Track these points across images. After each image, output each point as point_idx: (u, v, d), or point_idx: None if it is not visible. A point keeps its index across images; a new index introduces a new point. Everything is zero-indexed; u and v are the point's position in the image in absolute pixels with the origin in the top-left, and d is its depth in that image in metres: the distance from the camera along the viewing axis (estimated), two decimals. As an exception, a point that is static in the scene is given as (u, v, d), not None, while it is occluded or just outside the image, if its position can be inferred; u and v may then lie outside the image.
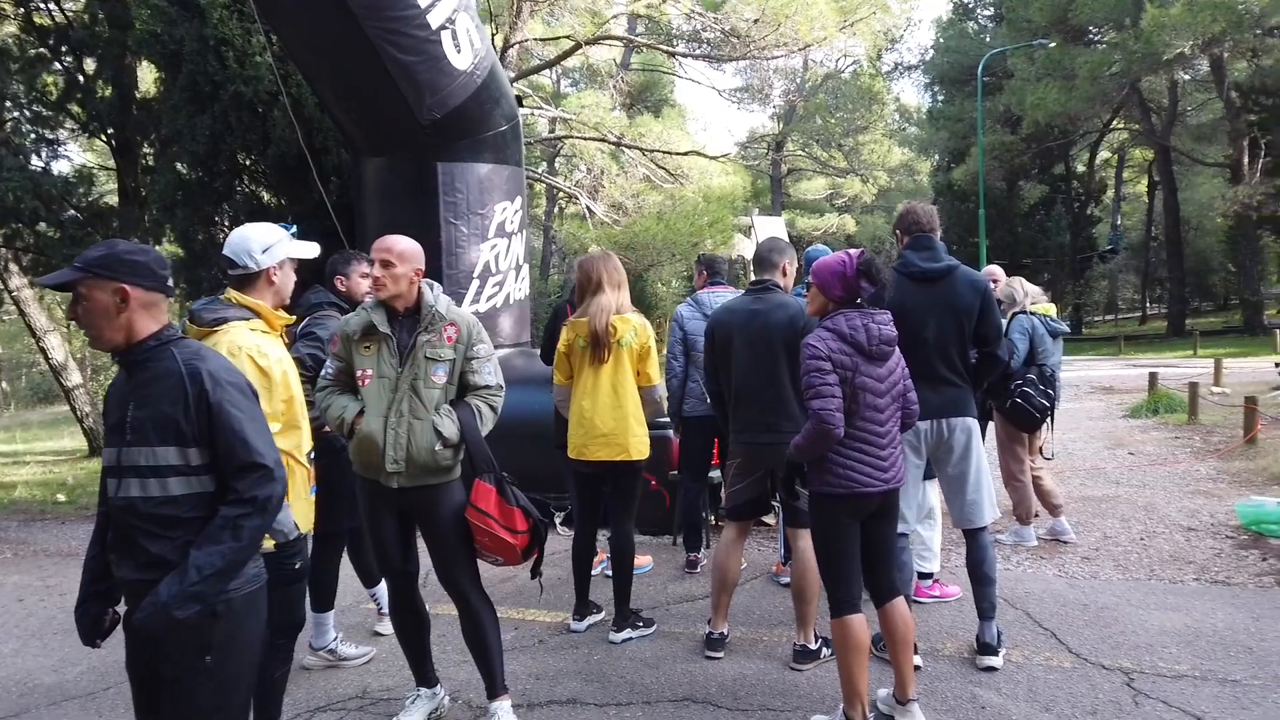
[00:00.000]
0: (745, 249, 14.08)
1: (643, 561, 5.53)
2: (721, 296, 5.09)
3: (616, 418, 4.22)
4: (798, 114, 31.28)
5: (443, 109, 6.62)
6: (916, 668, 3.83)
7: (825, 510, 3.29)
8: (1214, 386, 13.01)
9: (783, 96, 31.36)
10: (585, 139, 14.80)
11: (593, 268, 4.35)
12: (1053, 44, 25.37)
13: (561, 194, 15.89)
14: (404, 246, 3.32)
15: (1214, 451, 8.71)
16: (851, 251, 3.44)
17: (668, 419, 5.45)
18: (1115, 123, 38.34)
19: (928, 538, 4.82)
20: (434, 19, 6.25)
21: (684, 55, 14.98)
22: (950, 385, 3.89)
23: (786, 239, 10.56)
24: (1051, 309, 5.97)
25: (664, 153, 14.47)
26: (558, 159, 23.86)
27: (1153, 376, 12.47)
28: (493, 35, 14.62)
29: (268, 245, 3.01)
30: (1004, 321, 5.89)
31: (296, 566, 2.95)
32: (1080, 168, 41.22)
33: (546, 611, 4.83)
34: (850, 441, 3.24)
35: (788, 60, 28.51)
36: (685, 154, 14.46)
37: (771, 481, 4.11)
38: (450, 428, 3.17)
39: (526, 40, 14.90)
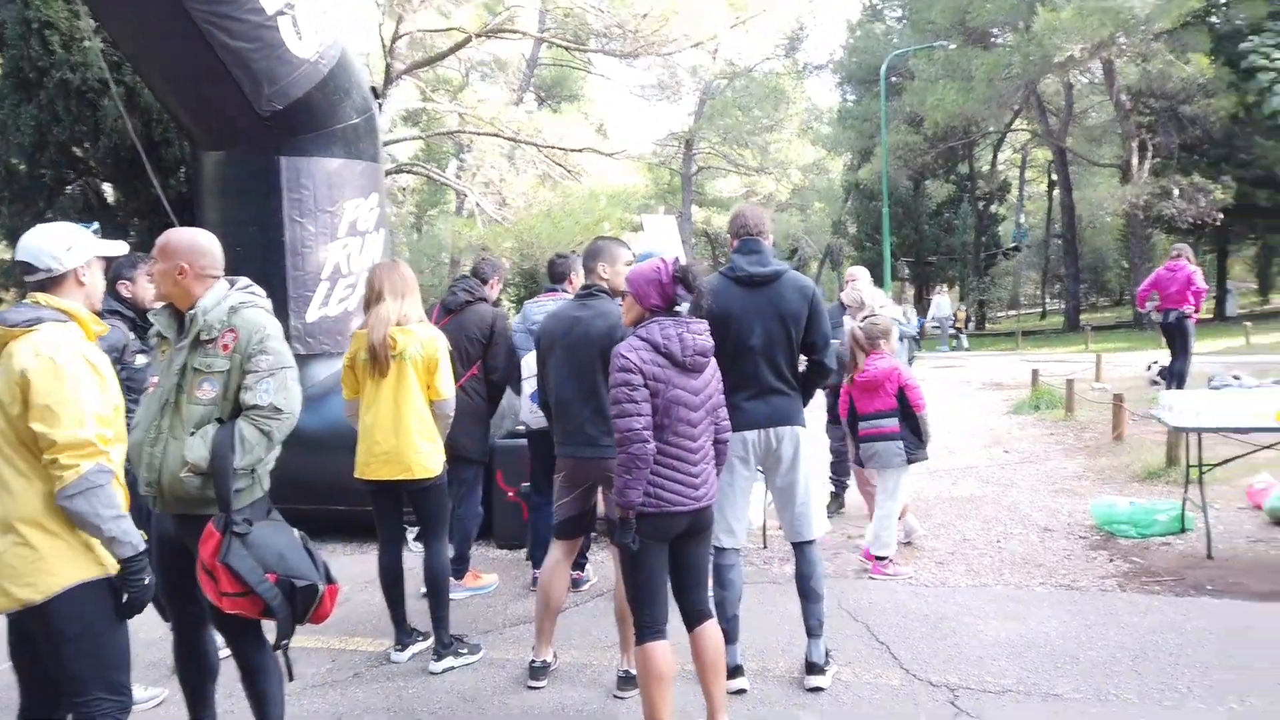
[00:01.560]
0: (639, 249, 13.89)
1: (485, 580, 5.26)
2: (544, 306, 4.88)
3: (398, 434, 3.96)
4: (707, 112, 31.30)
5: (284, 100, 6.22)
6: (742, 691, 3.68)
7: (630, 526, 3.08)
8: (1095, 382, 13.33)
9: (693, 94, 31.36)
10: (480, 134, 14.42)
11: (375, 277, 4.08)
12: (953, 46, 25.89)
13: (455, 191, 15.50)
14: (169, 240, 2.95)
15: (1084, 448, 8.85)
16: (666, 258, 3.25)
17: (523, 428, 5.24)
18: (1016, 123, 39.53)
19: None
20: (268, 3, 5.85)
21: (577, 49, 14.72)
22: (778, 394, 3.73)
23: (677, 238, 10.42)
24: (898, 311, 5.91)
25: (560, 149, 14.19)
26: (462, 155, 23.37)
27: (1035, 373, 12.72)
28: (380, 26, 14.14)
29: (70, 244, 2.64)
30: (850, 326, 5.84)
31: (146, 583, 2.54)
32: (985, 167, 42.40)
33: (372, 640, 4.52)
34: (660, 458, 3.04)
35: (697, 58, 28.48)
36: (580, 150, 14.20)
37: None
38: (197, 451, 2.81)
39: (418, 31, 14.46)
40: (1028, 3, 22.83)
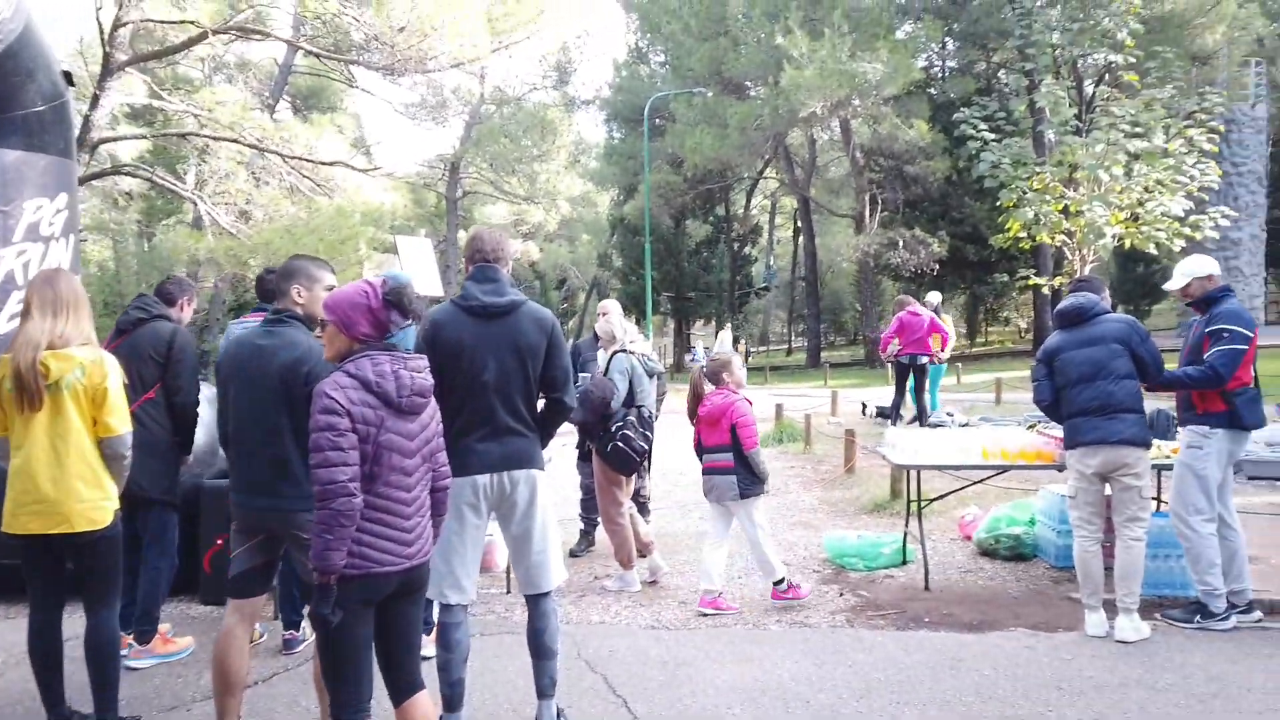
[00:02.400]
0: (393, 270, 13.24)
1: (179, 645, 4.54)
2: (249, 326, 4.33)
3: (55, 480, 3.30)
4: (474, 136, 30.88)
5: (-58, 75, 5.20)
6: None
7: (330, 594, 2.65)
8: (831, 417, 14.23)
9: (460, 117, 30.84)
10: (217, 139, 13.15)
11: (28, 290, 3.41)
12: (710, 93, 27.26)
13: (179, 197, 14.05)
14: None
15: (820, 481, 9.29)
16: (373, 279, 2.87)
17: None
18: (768, 172, 42.34)
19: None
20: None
21: (331, 58, 13.87)
22: (514, 434, 3.45)
23: (433, 261, 9.92)
24: (648, 347, 5.87)
25: (306, 160, 13.23)
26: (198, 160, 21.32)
27: (779, 407, 13.36)
28: (98, 10, 12.57)
29: None
30: (604, 360, 5.71)
31: None
32: (740, 210, 45.00)
33: (17, 729, 3.72)
34: (369, 511, 2.65)
35: (463, 80, 28.06)
36: (331, 164, 13.32)
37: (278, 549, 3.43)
38: None
39: (146, 21, 13.00)
40: (776, 59, 24.49)
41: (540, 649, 3.51)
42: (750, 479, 5.17)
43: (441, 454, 2.89)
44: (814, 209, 36.19)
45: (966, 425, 11.21)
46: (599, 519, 6.55)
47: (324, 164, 12.74)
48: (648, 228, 26.49)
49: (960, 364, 25.80)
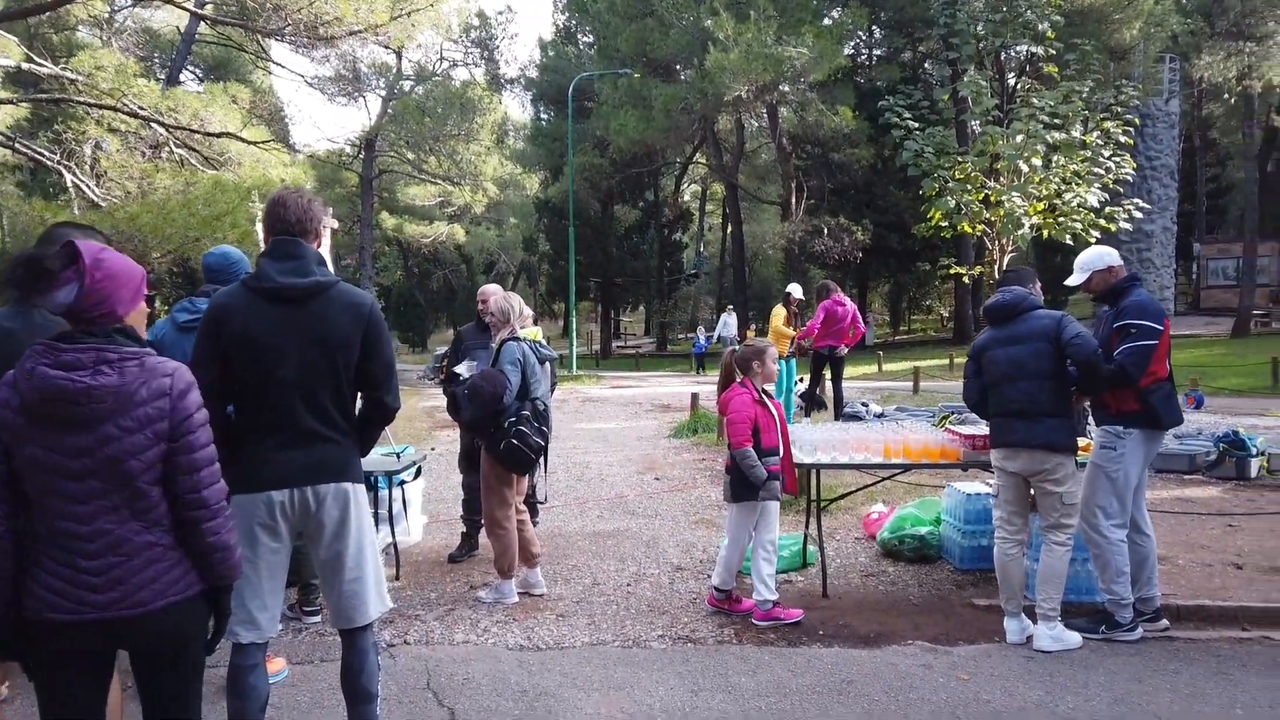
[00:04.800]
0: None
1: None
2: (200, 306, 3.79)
3: None
4: (392, 114, 29.77)
5: None
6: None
7: (16, 649, 2.09)
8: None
9: (375, 93, 29.72)
10: (94, 105, 12.13)
11: None
12: (636, 75, 26.71)
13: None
14: None
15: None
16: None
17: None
18: (697, 157, 42.00)
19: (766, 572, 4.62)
20: None
21: (212, 20, 12.93)
22: (322, 441, 2.90)
23: (326, 240, 9.23)
24: (538, 332, 5.34)
25: (193, 131, 12.31)
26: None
27: (694, 396, 12.97)
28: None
29: None
30: (494, 346, 5.18)
31: None
32: (670, 196, 44.61)
33: None
34: (34, 544, 2.11)
35: (380, 55, 26.98)
36: (219, 135, 12.42)
37: None
38: None
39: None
40: (702, 41, 24.07)
41: (356, 692, 2.99)
42: (740, 481, 4.67)
43: (189, 476, 2.28)
44: (742, 195, 35.96)
45: (882, 415, 10.98)
46: (481, 519, 6.06)
47: (211, 135, 11.84)
48: (572, 212, 25.88)
49: (882, 352, 25.87)
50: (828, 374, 11.46)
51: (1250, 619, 4.54)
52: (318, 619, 4.72)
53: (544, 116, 39.92)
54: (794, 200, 29.26)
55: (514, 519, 5.14)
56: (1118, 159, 13.19)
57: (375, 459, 5.68)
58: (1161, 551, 5.21)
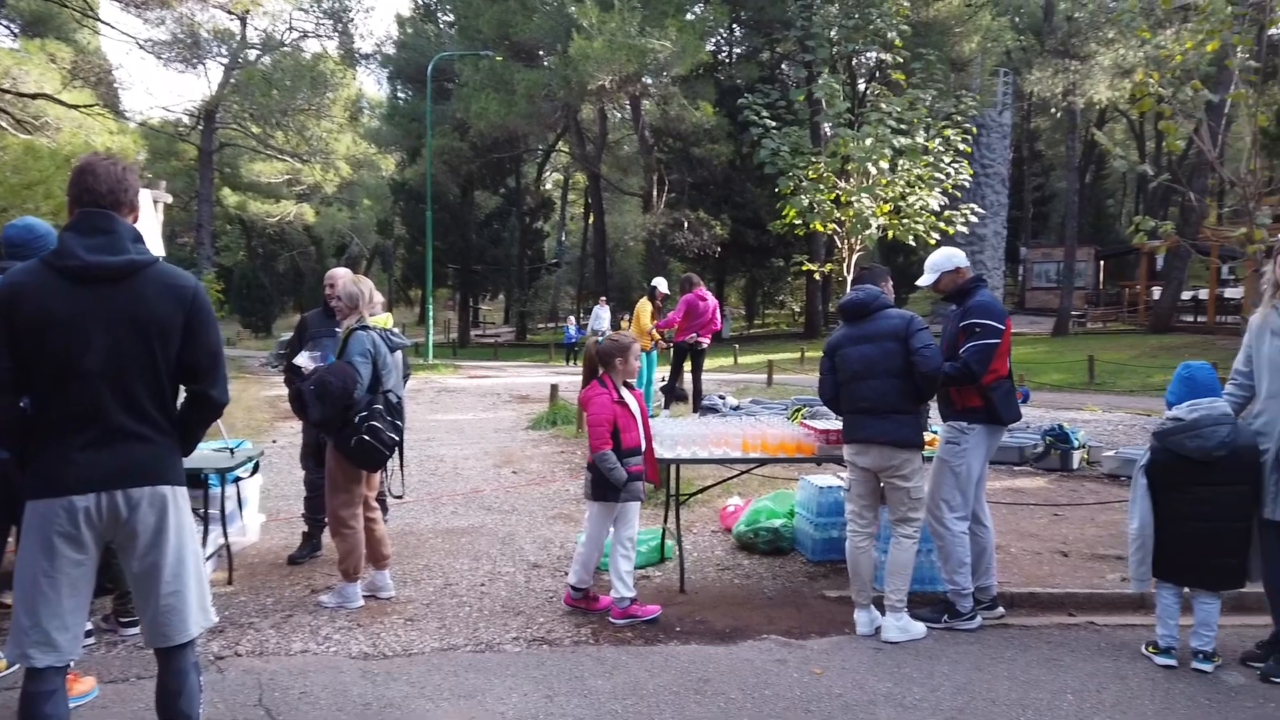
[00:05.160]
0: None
1: None
2: None
3: None
4: (235, 84, 28.01)
5: None
6: None
7: None
8: (609, 397, 13.87)
9: (217, 61, 27.87)
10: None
11: None
12: (499, 58, 26.16)
13: None
14: None
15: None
16: None
17: None
18: (560, 145, 41.71)
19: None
20: None
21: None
22: (135, 439, 2.59)
23: (155, 218, 8.55)
24: (388, 319, 5.06)
25: (4, 91, 11.11)
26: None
27: (554, 388, 12.82)
28: None
29: None
30: (341, 335, 4.85)
31: None
32: (533, 184, 44.13)
33: None
34: None
35: (221, 20, 25.30)
36: (34, 96, 11.27)
37: None
38: None
39: None
40: (566, 27, 23.84)
41: (174, 716, 2.70)
42: (601, 481, 4.54)
43: None
44: (604, 186, 35.98)
45: (739, 408, 11.17)
46: (325, 519, 5.72)
47: (25, 95, 10.73)
48: (430, 195, 25.10)
49: (738, 345, 26.48)
50: (688, 367, 11.55)
51: (1076, 604, 4.82)
52: (136, 630, 4.31)
53: (401, 95, 38.62)
54: (655, 193, 29.48)
55: (362, 518, 4.86)
56: (957, 165, 13.87)
57: (206, 454, 5.26)
58: (997, 540, 5.47)
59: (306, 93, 27.24)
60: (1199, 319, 25.30)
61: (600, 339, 4.89)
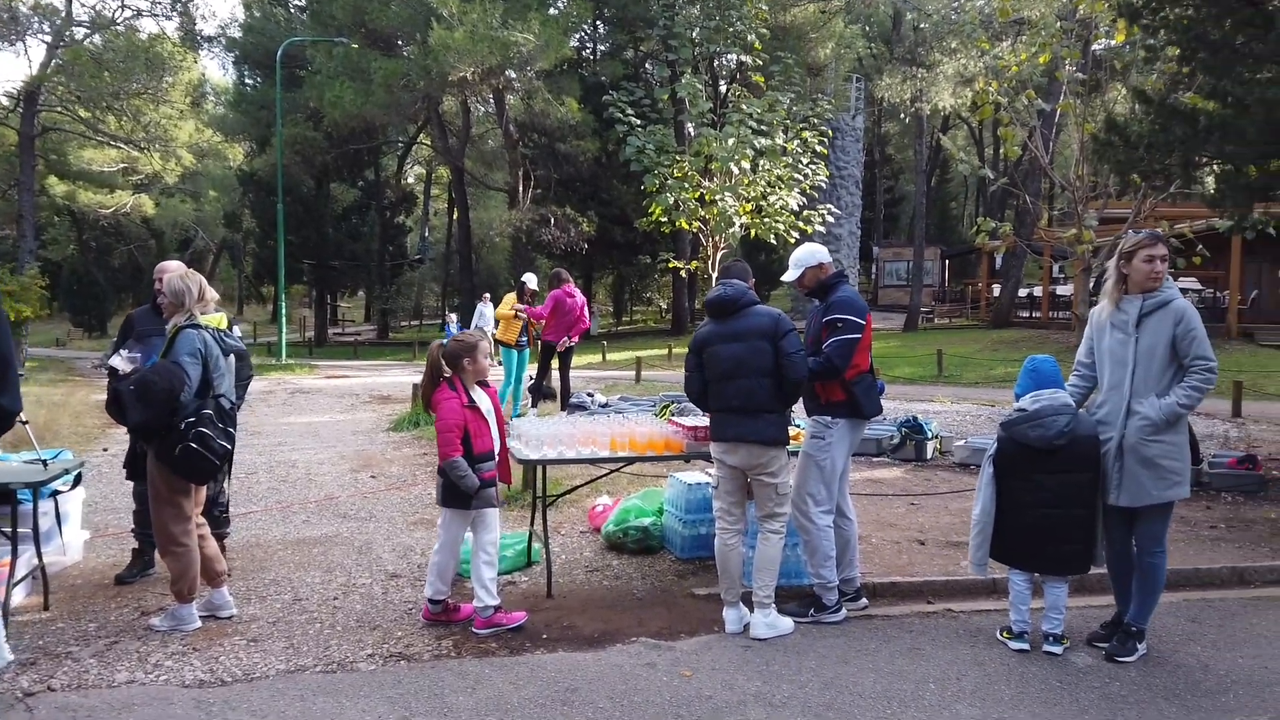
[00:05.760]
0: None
1: None
2: None
3: None
4: (59, 64, 25.78)
5: None
6: None
7: None
8: (473, 396, 13.52)
9: (39, 38, 25.57)
10: None
11: None
12: (354, 45, 25.14)
13: None
14: None
15: (452, 469, 8.51)
16: None
17: None
18: (422, 138, 40.57)
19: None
20: None
21: None
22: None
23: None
24: (221, 318, 4.67)
25: None
26: None
27: (416, 387, 12.37)
28: None
29: None
30: (168, 334, 4.44)
31: None
32: (394, 177, 42.74)
33: None
34: None
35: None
36: None
37: None
38: None
39: None
40: (425, 16, 23.14)
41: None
42: (450, 486, 4.34)
43: None
44: (469, 181, 35.22)
45: (607, 405, 11.08)
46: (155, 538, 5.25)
47: None
48: (281, 186, 23.87)
49: (606, 342, 26.47)
50: (556, 365, 11.38)
51: (934, 592, 4.95)
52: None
53: (249, 81, 36.58)
54: (521, 188, 29.08)
55: (194, 534, 4.46)
56: (814, 166, 14.25)
57: (14, 467, 4.73)
58: (859, 531, 5.58)
59: (142, 75, 25.37)
60: (1034, 314, 27.05)
61: (445, 341, 4.66)
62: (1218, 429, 10.34)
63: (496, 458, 4.51)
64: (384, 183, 40.90)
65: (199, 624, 4.45)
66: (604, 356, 23.45)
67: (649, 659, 4.04)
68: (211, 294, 4.62)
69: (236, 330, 5.37)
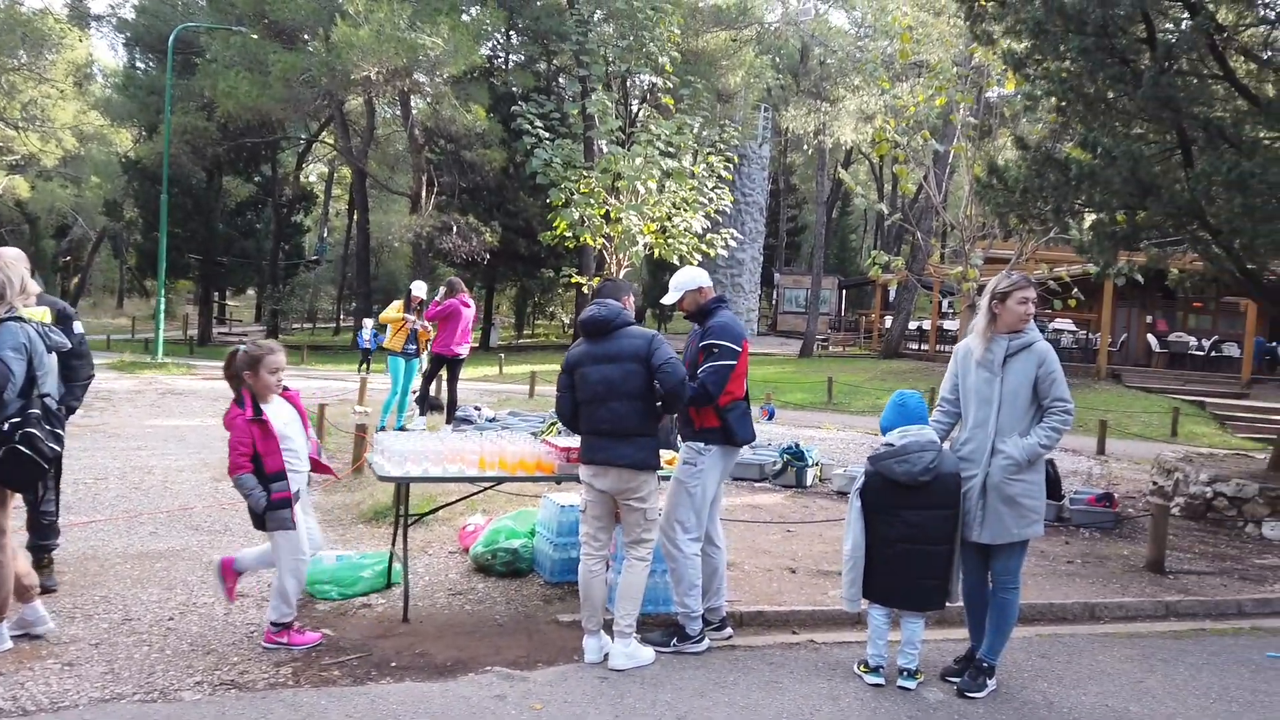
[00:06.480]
0: None
1: None
2: None
3: None
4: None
5: None
6: None
7: None
8: (358, 405, 13.08)
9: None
10: None
11: None
12: (253, 34, 24.23)
13: None
14: None
15: (321, 483, 8.14)
16: None
17: None
18: (324, 136, 39.39)
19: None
20: None
21: None
22: None
23: None
24: (45, 313, 4.30)
25: None
26: None
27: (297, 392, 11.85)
28: None
29: None
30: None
31: None
32: (291, 174, 41.32)
33: None
34: None
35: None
36: None
37: None
38: None
39: None
40: (330, 11, 22.48)
41: None
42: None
43: None
44: (371, 183, 34.33)
45: (494, 420, 10.85)
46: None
47: None
48: (166, 176, 22.65)
49: (504, 354, 26.12)
50: (445, 375, 11.10)
51: (799, 622, 4.93)
52: None
53: (140, 65, 34.85)
54: (425, 194, 28.48)
55: (9, 548, 4.07)
56: (719, 191, 14.38)
57: None
58: (731, 558, 5.54)
59: (21, 51, 23.85)
60: (922, 347, 27.97)
61: (240, 347, 4.40)
62: (1082, 465, 10.80)
63: (300, 470, 4.34)
64: (282, 179, 39.49)
65: (10, 644, 4.06)
66: (501, 370, 23.09)
67: (500, 690, 3.87)
68: (33, 286, 4.25)
69: (78, 326, 4.99)
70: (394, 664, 4.12)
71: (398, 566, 5.26)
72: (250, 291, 47.59)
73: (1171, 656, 4.72)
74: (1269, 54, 8.63)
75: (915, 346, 28.45)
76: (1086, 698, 4.12)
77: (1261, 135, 7.47)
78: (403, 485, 4.93)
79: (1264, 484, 7.72)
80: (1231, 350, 21.91)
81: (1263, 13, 8.22)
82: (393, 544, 5.39)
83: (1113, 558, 6.68)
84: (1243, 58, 8.25)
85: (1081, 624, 5.26)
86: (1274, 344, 20.87)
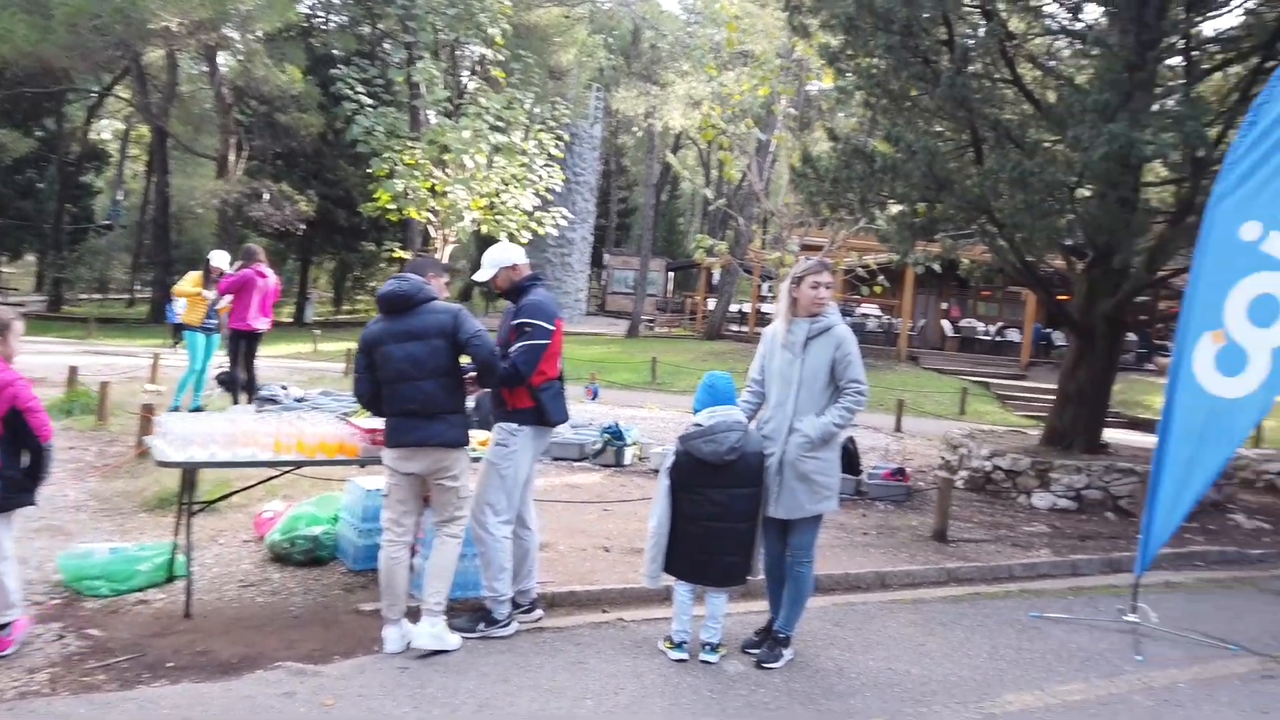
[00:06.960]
0: None
1: None
2: None
3: None
4: None
5: None
6: None
7: None
8: (149, 384, 12.07)
9: None
10: None
11: None
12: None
13: None
14: None
15: (104, 467, 7.45)
16: None
17: None
18: (119, 90, 36.00)
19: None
20: None
21: None
22: None
23: None
24: None
25: None
26: None
27: (73, 370, 10.83)
28: None
29: None
30: None
31: None
32: (80, 130, 37.54)
33: None
34: None
35: None
36: None
37: None
38: None
39: None
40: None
41: None
42: (23, 482, 3.87)
43: None
44: (172, 144, 31.70)
45: (303, 399, 10.28)
46: None
47: None
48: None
49: (320, 330, 24.91)
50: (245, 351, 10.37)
51: (610, 600, 4.95)
52: None
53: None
54: (234, 157, 26.62)
55: None
56: (549, 169, 14.23)
57: None
58: (546, 539, 5.49)
59: None
60: (743, 329, 28.95)
61: None
62: (880, 442, 11.48)
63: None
64: (68, 134, 35.85)
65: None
66: (316, 347, 21.98)
67: (289, 687, 3.65)
68: None
69: None
70: (170, 664, 3.80)
71: (181, 558, 4.87)
72: (30, 258, 43.06)
73: (950, 620, 5.09)
74: (1052, 62, 9.43)
75: (736, 328, 29.39)
76: (874, 662, 4.36)
77: (1043, 138, 8.15)
78: (188, 471, 4.55)
79: (1035, 458, 8.47)
80: (1014, 336, 24.01)
81: (1048, 23, 8.95)
82: (175, 534, 4.98)
83: (903, 529, 7.13)
84: (1030, 64, 8.96)
85: (873, 592, 5.58)
86: (1049, 330, 23.00)
